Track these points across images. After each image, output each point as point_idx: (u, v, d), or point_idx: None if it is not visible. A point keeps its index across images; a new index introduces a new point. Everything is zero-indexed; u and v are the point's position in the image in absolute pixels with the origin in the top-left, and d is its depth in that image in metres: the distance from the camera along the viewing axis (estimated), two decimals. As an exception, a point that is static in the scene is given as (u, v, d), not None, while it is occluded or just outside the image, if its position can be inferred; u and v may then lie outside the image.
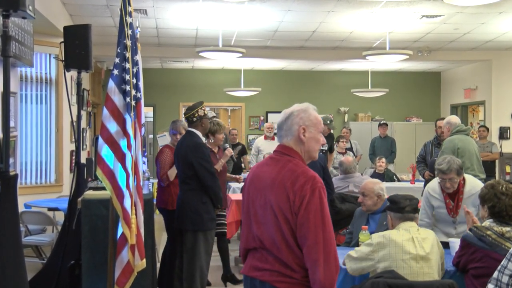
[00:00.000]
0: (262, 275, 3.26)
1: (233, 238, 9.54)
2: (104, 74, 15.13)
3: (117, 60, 4.51)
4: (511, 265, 3.61)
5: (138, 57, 4.85)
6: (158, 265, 7.13)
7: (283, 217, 3.17)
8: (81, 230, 5.23)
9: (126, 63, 4.50)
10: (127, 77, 4.49)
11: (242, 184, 9.51)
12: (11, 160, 5.97)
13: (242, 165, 12.20)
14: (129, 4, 4.59)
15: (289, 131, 3.35)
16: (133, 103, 4.51)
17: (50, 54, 9.73)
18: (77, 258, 5.52)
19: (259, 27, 11.43)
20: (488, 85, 14.74)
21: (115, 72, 4.49)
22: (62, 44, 6.11)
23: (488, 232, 4.26)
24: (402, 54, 11.18)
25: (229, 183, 10.06)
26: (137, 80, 4.68)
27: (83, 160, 6.73)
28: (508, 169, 13.06)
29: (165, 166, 7.09)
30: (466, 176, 5.61)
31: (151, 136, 17.47)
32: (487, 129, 13.08)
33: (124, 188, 4.39)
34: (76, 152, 6.37)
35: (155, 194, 7.76)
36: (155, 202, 7.48)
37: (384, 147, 14.38)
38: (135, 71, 4.63)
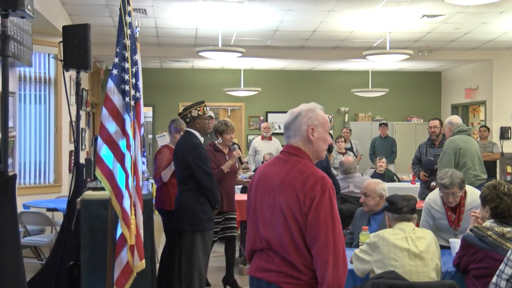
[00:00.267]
0: (269, 276, 3.26)
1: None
2: (103, 74, 15.12)
3: (116, 59, 4.49)
4: (508, 270, 3.65)
5: (138, 57, 4.81)
6: (157, 265, 7.11)
7: (293, 218, 3.17)
8: (80, 230, 5.21)
9: (126, 62, 4.48)
10: (127, 77, 4.47)
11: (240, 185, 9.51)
12: (9, 161, 5.94)
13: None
14: (128, 3, 4.57)
15: (297, 131, 3.35)
16: (132, 103, 4.49)
17: (49, 54, 9.72)
18: (76, 259, 5.50)
19: (259, 27, 11.41)
20: (489, 85, 14.73)
21: (114, 72, 4.46)
22: (61, 43, 6.10)
23: (489, 233, 4.26)
24: (402, 53, 11.17)
25: None
26: (137, 80, 4.65)
27: (82, 160, 6.71)
28: (509, 169, 13.04)
29: (161, 166, 7.07)
30: (467, 188, 5.59)
31: (150, 136, 17.47)
32: (488, 129, 13.06)
33: (123, 189, 4.36)
34: (75, 152, 6.34)
35: (155, 194, 7.73)
36: (154, 203, 7.46)
37: (384, 147, 14.36)
38: (134, 71, 4.61)
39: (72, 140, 8.99)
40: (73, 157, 9.47)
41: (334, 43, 13.20)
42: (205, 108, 6.44)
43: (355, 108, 17.39)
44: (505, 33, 12.05)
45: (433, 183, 8.05)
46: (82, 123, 11.81)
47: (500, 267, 3.73)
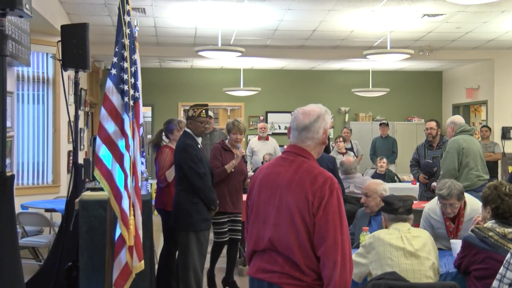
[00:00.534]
0: (271, 277, 3.26)
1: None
2: (102, 74, 15.12)
3: (115, 59, 4.48)
4: (510, 274, 3.63)
5: (137, 56, 4.82)
6: (156, 266, 7.08)
7: (300, 218, 3.18)
8: (78, 231, 5.21)
9: (124, 62, 4.48)
10: (125, 76, 4.46)
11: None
12: (7, 161, 5.91)
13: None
14: (127, 2, 4.57)
15: (316, 134, 3.37)
16: (131, 102, 4.49)
17: (47, 53, 9.70)
18: (74, 260, 5.48)
19: (258, 26, 11.39)
20: (490, 84, 14.71)
21: (113, 71, 4.46)
22: (60, 43, 6.09)
23: (490, 233, 4.26)
24: (403, 53, 11.13)
25: None
26: (136, 79, 4.65)
27: (80, 160, 6.69)
28: (510, 169, 13.00)
29: (164, 166, 7.03)
30: (467, 198, 5.54)
31: (149, 136, 17.40)
32: (490, 129, 13.04)
33: (122, 189, 4.36)
34: (74, 153, 6.32)
35: (154, 195, 7.69)
36: (153, 203, 7.42)
37: (385, 147, 14.36)
38: (133, 71, 4.60)
39: (71, 140, 8.95)
40: (71, 157, 9.53)
41: (334, 43, 13.17)
42: (203, 111, 6.38)
43: (356, 108, 17.36)
44: (507, 33, 12.03)
45: (434, 184, 8.02)
46: (81, 123, 11.81)
47: (500, 271, 3.71)
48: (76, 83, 6.44)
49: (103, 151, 4.34)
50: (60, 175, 9.95)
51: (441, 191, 5.34)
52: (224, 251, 7.38)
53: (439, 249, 4.72)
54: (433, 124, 8.81)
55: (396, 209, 4.53)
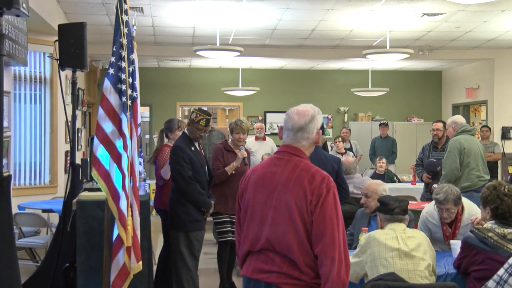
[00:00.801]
0: (268, 277, 3.27)
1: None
2: (99, 73, 15.12)
3: (112, 59, 4.47)
4: None
5: (134, 56, 4.82)
6: (155, 267, 7.06)
7: (300, 216, 3.21)
8: (76, 232, 5.18)
9: (122, 62, 4.47)
10: (123, 76, 4.45)
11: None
12: (4, 161, 5.88)
13: None
14: (125, 2, 4.56)
15: (311, 134, 3.41)
16: (129, 102, 4.48)
17: (44, 53, 9.67)
18: (72, 261, 5.45)
19: (257, 25, 11.38)
20: (490, 84, 14.71)
21: (111, 71, 4.45)
22: (57, 42, 6.06)
23: (490, 234, 4.26)
24: (402, 53, 11.14)
25: None
26: (133, 79, 4.64)
27: (78, 160, 6.66)
28: (510, 169, 13.00)
29: (162, 165, 7.02)
30: (465, 203, 5.53)
31: (147, 136, 17.41)
32: (490, 129, 13.03)
33: (120, 189, 4.35)
34: (71, 153, 6.30)
35: (152, 195, 7.66)
36: (152, 204, 7.40)
37: (384, 148, 14.35)
38: (131, 70, 4.60)
39: (68, 140, 8.92)
40: (69, 158, 9.49)
41: (333, 42, 13.17)
42: (203, 120, 6.32)
43: (355, 108, 17.35)
44: (507, 32, 12.03)
45: (435, 185, 7.99)
46: (78, 123, 11.77)
47: (500, 273, 3.70)
48: (74, 83, 6.42)
49: (100, 151, 4.33)
50: (58, 176, 9.93)
51: (438, 196, 5.34)
52: (220, 250, 7.34)
53: (436, 250, 4.72)
54: (439, 125, 8.75)
55: (392, 209, 4.54)
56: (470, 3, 8.52)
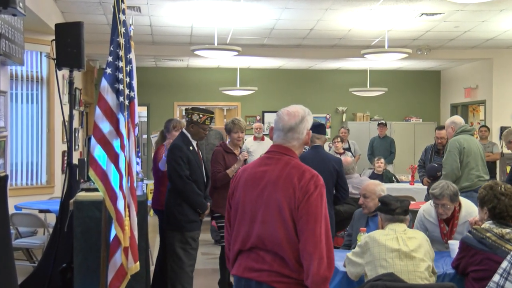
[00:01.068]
0: (259, 275, 3.29)
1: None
2: (96, 73, 15.07)
3: (110, 58, 4.49)
4: (509, 285, 3.63)
5: (132, 56, 4.83)
6: (152, 268, 7.04)
7: (289, 213, 3.25)
8: (73, 232, 5.20)
9: (119, 61, 4.49)
10: (121, 76, 4.47)
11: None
12: (1, 161, 5.86)
13: None
14: (122, 1, 4.59)
15: (301, 134, 3.47)
16: (126, 102, 4.49)
17: (41, 52, 9.65)
18: (69, 261, 5.46)
19: (255, 25, 11.36)
20: (488, 84, 14.70)
21: (108, 70, 4.47)
22: (54, 42, 6.08)
23: (488, 234, 4.26)
24: (401, 52, 11.12)
25: None
26: (131, 79, 4.66)
27: (75, 160, 6.68)
28: (509, 169, 12.97)
29: (157, 161, 7.02)
30: (463, 201, 5.53)
31: (145, 136, 17.42)
32: (488, 129, 13.01)
33: (117, 190, 4.37)
34: (68, 153, 6.30)
35: (150, 195, 7.65)
36: (150, 204, 7.38)
37: (383, 147, 14.33)
38: (128, 70, 4.61)
39: (65, 140, 8.93)
40: (66, 158, 9.48)
41: (331, 42, 13.15)
42: (208, 119, 6.31)
43: (353, 107, 17.33)
44: (505, 32, 12.02)
45: None
46: (75, 123, 11.76)
47: (496, 280, 3.71)
48: (71, 83, 6.41)
49: (98, 151, 4.35)
50: (55, 176, 9.91)
51: (434, 191, 5.35)
52: (218, 252, 7.32)
53: (434, 251, 4.71)
54: (444, 133, 8.68)
55: (393, 210, 4.54)
56: (469, 2, 8.49)
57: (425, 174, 8.83)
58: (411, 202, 8.23)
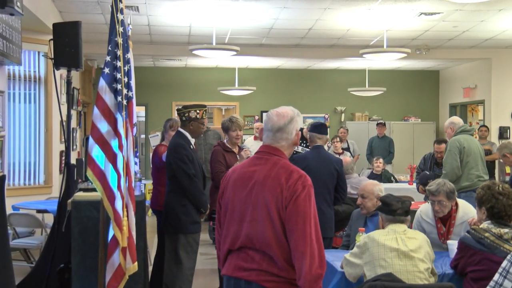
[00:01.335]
0: (249, 275, 3.34)
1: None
2: (94, 73, 15.09)
3: (108, 58, 4.49)
4: (508, 283, 3.65)
5: (130, 55, 4.81)
6: (150, 268, 7.02)
7: (277, 212, 3.28)
8: (71, 232, 5.20)
9: (118, 61, 4.49)
10: (119, 75, 4.47)
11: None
12: (-2, 161, 5.82)
13: None
14: (120, 0, 4.58)
15: (290, 135, 3.51)
16: (124, 102, 4.50)
17: (39, 52, 9.63)
18: (66, 262, 5.46)
19: (253, 25, 11.35)
20: (487, 84, 14.69)
21: (106, 70, 4.47)
22: (51, 41, 6.04)
23: (486, 234, 4.26)
24: (400, 52, 11.12)
25: None
26: (129, 78, 4.65)
27: (73, 160, 6.65)
28: (508, 169, 12.97)
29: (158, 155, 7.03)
30: (460, 201, 5.53)
31: (143, 136, 17.41)
32: (488, 129, 13.01)
33: (115, 190, 4.37)
34: (66, 153, 6.29)
35: (148, 195, 7.63)
36: (148, 204, 7.37)
37: (381, 147, 14.33)
38: (126, 70, 4.61)
39: (63, 140, 8.90)
40: (63, 158, 9.46)
41: (330, 41, 13.14)
42: (204, 113, 6.34)
43: (352, 107, 17.32)
44: (504, 31, 12.01)
45: None
46: (73, 123, 11.74)
47: (496, 279, 3.71)
48: (69, 82, 6.40)
49: (96, 151, 4.35)
50: (52, 176, 9.90)
51: (430, 187, 5.37)
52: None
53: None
54: (443, 148, 8.62)
55: (395, 210, 4.53)
56: (467, 2, 8.49)
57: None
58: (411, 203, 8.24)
